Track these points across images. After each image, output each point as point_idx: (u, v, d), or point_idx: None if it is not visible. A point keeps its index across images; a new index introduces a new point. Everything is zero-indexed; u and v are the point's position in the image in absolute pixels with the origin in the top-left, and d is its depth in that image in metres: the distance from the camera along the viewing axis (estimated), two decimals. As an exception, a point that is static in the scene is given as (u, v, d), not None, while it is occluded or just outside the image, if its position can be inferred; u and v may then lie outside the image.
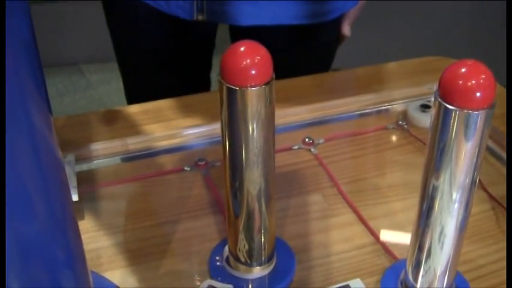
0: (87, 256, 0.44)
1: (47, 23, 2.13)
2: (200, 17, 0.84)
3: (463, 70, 0.41)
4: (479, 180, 0.66)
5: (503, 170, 0.70)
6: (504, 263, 0.57)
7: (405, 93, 0.81)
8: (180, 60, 1.00)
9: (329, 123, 0.78)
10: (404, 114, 0.78)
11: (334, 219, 0.62)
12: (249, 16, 0.84)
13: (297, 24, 0.84)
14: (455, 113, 0.41)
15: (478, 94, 0.41)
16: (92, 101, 2.20)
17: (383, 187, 0.66)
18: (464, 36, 2.48)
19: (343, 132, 0.75)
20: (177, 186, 0.67)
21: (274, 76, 0.45)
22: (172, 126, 0.74)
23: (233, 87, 0.44)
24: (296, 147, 0.73)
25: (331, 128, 0.77)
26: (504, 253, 0.58)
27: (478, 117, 0.41)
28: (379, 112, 0.79)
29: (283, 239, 0.58)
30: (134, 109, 0.78)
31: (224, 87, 0.44)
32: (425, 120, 0.75)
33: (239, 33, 0.94)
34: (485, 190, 0.66)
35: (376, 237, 0.60)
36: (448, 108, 0.42)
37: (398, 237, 0.60)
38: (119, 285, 0.53)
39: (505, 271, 0.56)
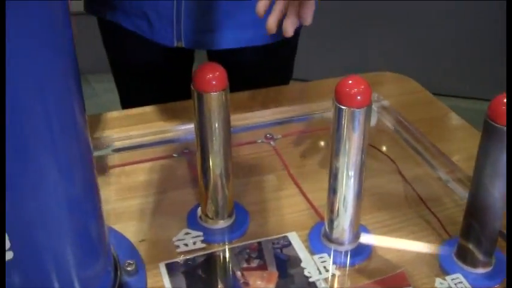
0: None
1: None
2: (179, 44, 1.03)
3: (350, 82, 0.63)
4: (396, 165, 0.89)
5: (417, 157, 0.92)
6: (406, 224, 0.79)
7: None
8: (165, 75, 1.20)
9: (286, 123, 1.00)
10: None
11: (282, 192, 0.84)
12: (220, 43, 1.04)
13: (259, 44, 1.05)
14: (345, 111, 0.64)
15: (358, 97, 0.63)
16: (97, 107, 2.39)
17: (321, 171, 0.88)
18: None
19: (296, 130, 0.98)
20: (168, 168, 0.89)
21: (228, 85, 0.67)
22: (164, 125, 0.97)
23: (201, 92, 0.66)
24: (259, 141, 0.95)
25: (288, 127, 0.99)
26: (405, 218, 0.80)
27: (360, 113, 0.63)
28: (325, 116, 1.01)
29: (242, 204, 0.80)
30: (132, 112, 1.01)
31: (195, 93, 0.67)
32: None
33: (214, 52, 1.11)
34: (400, 173, 0.88)
35: (310, 204, 0.81)
36: (340, 107, 0.64)
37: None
38: (123, 234, 0.76)
39: (406, 229, 0.78)
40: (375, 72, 1.13)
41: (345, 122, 0.64)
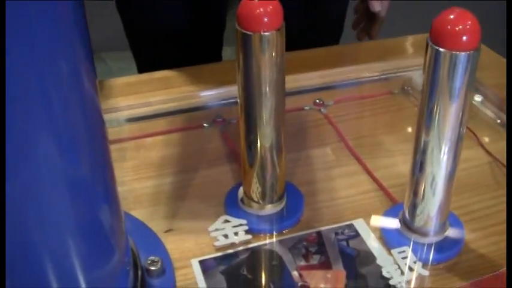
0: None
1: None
2: None
3: (451, 17, 0.46)
4: (477, 137, 0.72)
5: (502, 130, 0.74)
6: (497, 208, 0.62)
7: (410, 63, 0.86)
8: (193, 38, 1.04)
9: (339, 88, 0.83)
10: (410, 81, 0.83)
11: (341, 168, 0.68)
12: None
13: None
14: (445, 54, 0.47)
15: (464, 38, 0.46)
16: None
17: (387, 143, 0.71)
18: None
19: (351, 96, 0.81)
20: (197, 140, 0.72)
21: (284, 24, 0.50)
22: (190, 90, 0.80)
23: (248, 32, 0.49)
24: (307, 107, 0.78)
25: (341, 92, 0.82)
26: (498, 201, 0.63)
27: (465, 59, 0.47)
28: (386, 79, 0.84)
29: (295, 184, 0.64)
30: (152, 76, 0.85)
31: (240, 34, 0.50)
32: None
33: None
34: (483, 147, 0.71)
35: (378, 184, 0.65)
36: (438, 50, 0.47)
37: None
38: (144, 223, 0.59)
39: (497, 214, 0.61)
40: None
41: (443, 68, 0.47)
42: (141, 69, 1.10)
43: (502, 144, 0.71)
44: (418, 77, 0.82)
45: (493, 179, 0.67)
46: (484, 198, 0.64)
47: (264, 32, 0.49)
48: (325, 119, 0.76)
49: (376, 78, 0.85)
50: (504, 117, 0.76)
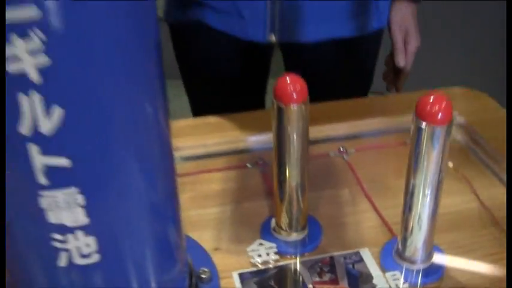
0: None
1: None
2: (272, 37, 1.07)
3: (431, 99, 0.63)
4: (470, 183, 0.87)
5: (493, 178, 0.90)
6: (479, 245, 0.78)
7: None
8: (242, 85, 1.22)
9: (362, 137, 1.00)
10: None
11: (354, 207, 0.84)
12: (310, 34, 1.07)
13: (346, 36, 1.09)
14: (426, 127, 0.63)
15: (439, 116, 0.62)
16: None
17: (394, 187, 0.87)
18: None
19: (370, 145, 0.97)
20: (241, 178, 0.90)
21: (308, 99, 0.68)
22: (238, 135, 0.98)
23: (281, 105, 0.67)
24: (332, 154, 0.95)
25: (363, 141, 0.99)
26: (480, 239, 0.79)
27: (440, 131, 0.63)
28: (402, 130, 1.00)
29: (316, 217, 0.80)
30: (206, 120, 1.03)
31: (275, 104, 0.67)
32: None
33: (295, 54, 1.17)
34: (475, 193, 0.86)
35: (383, 220, 0.81)
36: (421, 123, 0.63)
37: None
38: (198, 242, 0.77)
39: (479, 249, 0.77)
40: (446, 87, 1.12)
41: (424, 139, 0.64)
42: (195, 110, 1.29)
43: (491, 191, 0.86)
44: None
45: (479, 220, 0.82)
46: (468, 236, 0.79)
47: (293, 104, 0.66)
48: (346, 164, 0.93)
49: (392, 130, 1.01)
50: (495, 167, 0.91)
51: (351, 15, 1.09)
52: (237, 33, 1.07)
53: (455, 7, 2.53)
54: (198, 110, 1.28)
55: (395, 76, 1.22)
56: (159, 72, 0.53)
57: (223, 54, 1.17)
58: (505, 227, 0.79)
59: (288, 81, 0.67)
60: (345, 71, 1.20)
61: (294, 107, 0.67)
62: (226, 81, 1.21)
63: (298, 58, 1.16)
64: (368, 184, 0.88)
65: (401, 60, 1.16)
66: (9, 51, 0.41)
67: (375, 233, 0.79)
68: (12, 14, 0.40)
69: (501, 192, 0.87)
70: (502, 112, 1.07)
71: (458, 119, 1.02)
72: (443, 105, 0.63)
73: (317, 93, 1.03)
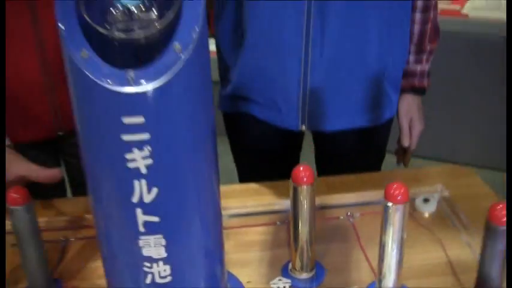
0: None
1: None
2: (303, 127, 1.38)
3: (394, 186, 0.94)
4: (442, 243, 1.17)
5: (463, 240, 1.19)
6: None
7: (414, 191, 1.31)
8: (279, 159, 1.53)
9: (367, 205, 1.29)
10: (413, 204, 1.28)
11: (352, 257, 1.14)
12: (333, 124, 1.38)
13: (363, 126, 1.39)
14: (391, 205, 0.94)
15: (399, 197, 0.93)
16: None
17: (385, 244, 1.17)
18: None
19: (373, 211, 1.27)
20: (271, 233, 1.22)
21: (316, 181, 0.99)
22: (272, 199, 1.30)
23: (296, 185, 0.99)
24: (342, 217, 1.26)
25: (367, 208, 1.28)
26: (443, 285, 1.08)
27: (401, 207, 0.93)
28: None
29: (322, 262, 1.11)
30: (249, 187, 1.36)
31: (292, 185, 0.99)
32: (426, 207, 1.26)
33: (321, 137, 1.48)
34: (445, 252, 1.16)
35: (371, 267, 1.11)
36: (388, 203, 0.94)
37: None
38: (236, 276, 1.08)
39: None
40: (442, 163, 1.42)
41: (390, 212, 0.94)
42: (241, 177, 1.61)
43: (459, 252, 1.16)
44: (420, 203, 1.28)
45: (444, 272, 1.11)
46: (434, 282, 1.08)
47: (302, 185, 0.98)
48: (351, 226, 1.23)
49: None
50: (465, 233, 1.20)
51: (368, 109, 1.40)
52: (276, 123, 1.39)
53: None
54: (244, 177, 1.60)
55: (403, 153, 1.53)
56: (216, 151, 0.85)
57: (266, 137, 1.48)
58: (465, 285, 1.08)
59: (301, 169, 0.99)
60: (362, 152, 1.50)
61: (304, 187, 0.98)
62: (267, 157, 1.53)
63: (324, 140, 1.48)
64: (364, 241, 1.18)
65: (406, 142, 1.47)
66: (129, 156, 0.74)
67: (365, 276, 1.09)
68: (134, 137, 0.73)
69: (466, 253, 1.15)
70: (486, 188, 1.36)
71: (444, 192, 1.31)
72: (402, 191, 0.93)
73: (340, 167, 1.35)
